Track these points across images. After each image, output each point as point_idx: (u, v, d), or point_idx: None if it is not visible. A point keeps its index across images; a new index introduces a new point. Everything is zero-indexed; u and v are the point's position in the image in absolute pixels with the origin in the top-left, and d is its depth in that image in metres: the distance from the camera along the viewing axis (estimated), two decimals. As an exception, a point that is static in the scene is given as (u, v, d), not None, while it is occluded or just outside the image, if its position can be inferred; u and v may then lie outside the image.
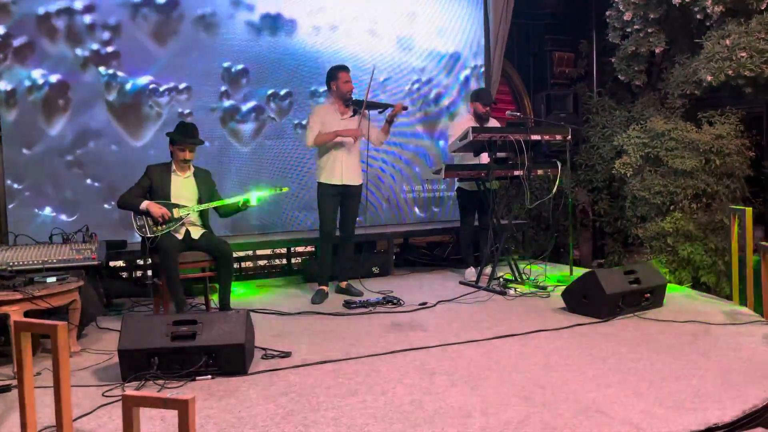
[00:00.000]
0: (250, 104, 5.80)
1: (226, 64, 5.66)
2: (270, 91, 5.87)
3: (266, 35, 5.83)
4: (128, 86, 5.32)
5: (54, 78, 5.08)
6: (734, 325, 3.82)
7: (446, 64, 6.74)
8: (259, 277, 5.95)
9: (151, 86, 5.39)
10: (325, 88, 4.92)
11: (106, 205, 5.23)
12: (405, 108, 4.78)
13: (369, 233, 5.66)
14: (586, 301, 4.07)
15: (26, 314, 3.11)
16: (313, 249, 6.17)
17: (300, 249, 6.38)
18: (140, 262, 5.58)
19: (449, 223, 6.56)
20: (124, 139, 5.34)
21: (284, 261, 6.36)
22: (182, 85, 5.50)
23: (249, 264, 6.20)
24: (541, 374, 3.02)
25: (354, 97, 4.74)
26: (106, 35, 5.22)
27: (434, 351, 3.43)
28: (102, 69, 5.22)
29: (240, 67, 5.72)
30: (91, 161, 5.22)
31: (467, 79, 6.85)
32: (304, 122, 5.81)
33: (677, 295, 4.73)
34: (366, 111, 4.70)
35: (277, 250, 6.32)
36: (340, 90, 4.68)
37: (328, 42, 6.09)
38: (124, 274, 5.56)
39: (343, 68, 4.72)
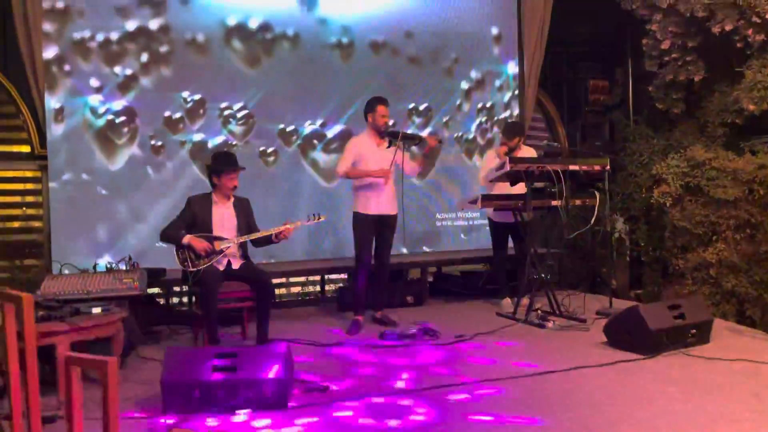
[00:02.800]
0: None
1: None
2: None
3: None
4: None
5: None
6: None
7: (479, 93, 6.75)
8: (293, 306, 5.96)
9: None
10: None
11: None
12: (440, 141, 4.80)
13: (403, 262, 5.64)
14: (629, 337, 3.97)
15: (72, 344, 3.16)
16: (346, 276, 6.17)
17: (334, 276, 6.39)
18: (177, 289, 5.65)
19: (484, 252, 6.51)
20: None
21: (318, 288, 6.37)
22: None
23: (282, 290, 6.22)
24: (587, 414, 2.95)
25: (390, 127, 4.77)
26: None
27: (474, 387, 3.38)
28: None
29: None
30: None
31: (502, 106, 6.86)
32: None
33: (723, 329, 4.58)
34: (401, 143, 4.71)
35: (311, 278, 6.34)
36: (376, 122, 4.71)
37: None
38: (162, 301, 5.62)
39: (382, 101, 4.75)
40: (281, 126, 5.87)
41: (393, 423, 2.90)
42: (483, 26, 6.70)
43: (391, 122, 4.82)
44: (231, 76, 5.65)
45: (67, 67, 5.17)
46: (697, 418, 2.87)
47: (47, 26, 5.07)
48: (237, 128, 5.70)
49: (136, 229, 5.32)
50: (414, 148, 4.95)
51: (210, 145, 5.57)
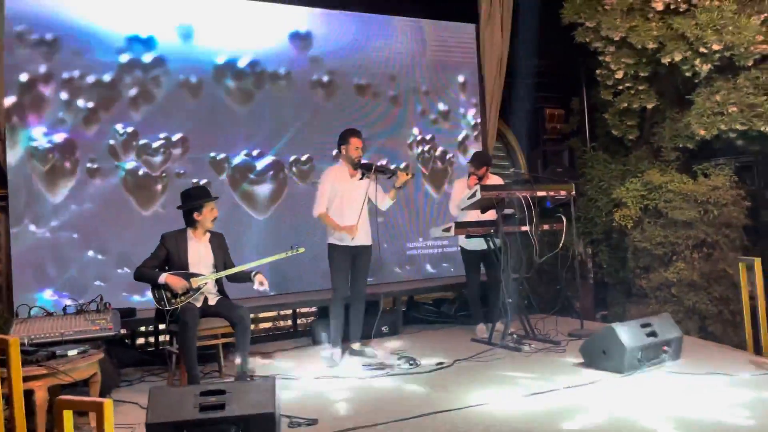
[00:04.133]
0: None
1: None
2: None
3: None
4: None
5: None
6: (757, 375, 3.84)
7: (444, 123, 6.92)
8: (264, 341, 5.85)
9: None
10: None
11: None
12: (412, 175, 4.88)
13: (375, 292, 5.65)
14: (606, 356, 4.08)
15: (49, 389, 3.04)
16: (316, 309, 6.12)
17: (305, 310, 6.32)
18: (143, 329, 5.48)
19: (454, 279, 6.58)
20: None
21: (289, 322, 6.29)
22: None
23: (252, 327, 6.09)
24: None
25: (364, 160, 4.83)
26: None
27: (461, 413, 3.40)
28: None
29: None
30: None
31: (466, 137, 7.04)
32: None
33: (690, 344, 4.73)
34: (374, 175, 4.77)
35: (282, 312, 6.25)
36: (349, 154, 4.77)
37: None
38: (131, 342, 5.44)
39: (356, 133, 4.82)
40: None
41: (387, 453, 2.89)
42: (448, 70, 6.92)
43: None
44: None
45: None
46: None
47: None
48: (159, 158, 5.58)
49: (104, 266, 5.18)
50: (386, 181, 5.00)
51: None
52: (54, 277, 4.99)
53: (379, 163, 4.75)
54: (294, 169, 6.07)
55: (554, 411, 3.34)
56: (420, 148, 6.75)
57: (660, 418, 3.13)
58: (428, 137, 6.81)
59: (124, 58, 5.39)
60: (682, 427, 3.02)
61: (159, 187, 5.45)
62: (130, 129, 5.39)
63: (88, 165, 5.23)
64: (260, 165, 5.93)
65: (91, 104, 5.25)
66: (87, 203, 5.19)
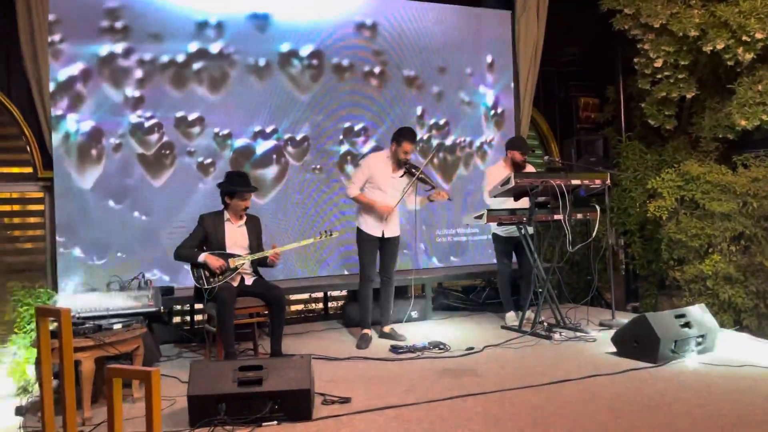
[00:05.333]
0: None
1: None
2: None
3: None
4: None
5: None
6: (791, 369, 3.80)
7: (476, 110, 6.89)
8: (296, 323, 5.97)
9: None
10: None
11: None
12: (450, 199, 4.96)
13: (405, 277, 5.70)
14: (638, 346, 4.06)
15: (95, 361, 3.16)
16: (346, 293, 6.21)
17: (335, 293, 6.41)
18: (179, 307, 5.64)
19: (483, 266, 6.59)
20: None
21: (321, 305, 6.39)
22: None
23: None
24: (609, 419, 3.01)
25: (411, 161, 4.89)
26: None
27: (493, 397, 3.43)
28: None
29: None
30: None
31: (496, 124, 7.00)
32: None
33: (725, 337, 4.68)
34: (415, 181, 4.82)
35: (314, 295, 6.36)
36: (397, 155, 4.81)
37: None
38: (169, 319, 5.60)
39: (410, 138, 4.80)
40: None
41: (423, 426, 2.94)
42: (479, 53, 6.87)
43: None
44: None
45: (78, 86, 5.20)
46: (716, 422, 2.95)
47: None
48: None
49: (144, 245, 5.33)
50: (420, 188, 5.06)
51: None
52: (98, 254, 5.16)
53: (423, 170, 4.80)
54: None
55: (584, 397, 3.35)
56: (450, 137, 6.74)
57: (690, 408, 3.13)
58: (461, 124, 6.80)
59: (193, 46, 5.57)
60: (712, 418, 3.01)
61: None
62: (194, 115, 5.56)
63: (164, 152, 5.44)
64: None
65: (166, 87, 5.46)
66: (146, 191, 5.38)
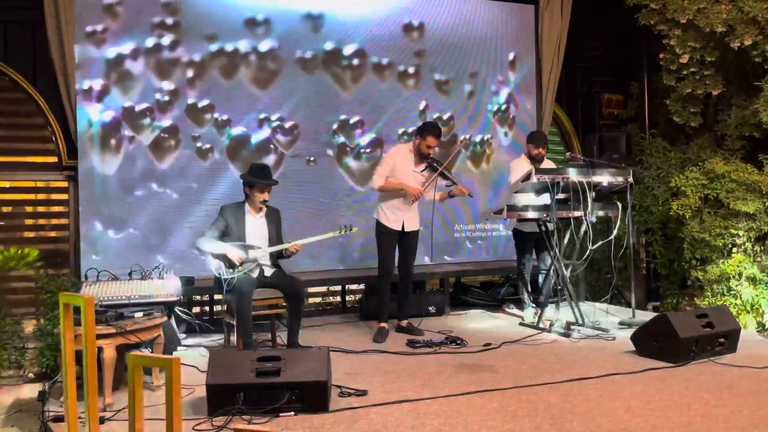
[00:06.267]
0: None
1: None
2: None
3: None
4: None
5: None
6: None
7: (498, 104, 6.85)
8: (313, 315, 5.99)
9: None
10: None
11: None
12: (470, 195, 4.94)
13: (423, 272, 5.70)
14: (658, 345, 4.02)
15: (116, 348, 3.22)
16: (363, 287, 6.22)
17: (353, 286, 6.43)
18: (198, 297, 5.69)
19: (502, 262, 6.56)
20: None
21: (338, 298, 6.41)
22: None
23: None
24: (627, 419, 2.99)
25: (434, 156, 4.87)
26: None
27: (510, 393, 3.43)
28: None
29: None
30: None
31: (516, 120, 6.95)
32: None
33: (747, 338, 4.61)
34: (437, 176, 4.80)
35: (332, 288, 6.38)
36: (421, 148, 4.80)
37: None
38: (189, 309, 5.66)
39: (434, 133, 4.79)
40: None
41: (433, 426, 2.94)
42: (501, 48, 6.82)
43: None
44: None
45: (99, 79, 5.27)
46: (736, 422, 2.91)
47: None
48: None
49: (164, 236, 5.40)
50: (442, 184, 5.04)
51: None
52: (119, 244, 5.24)
53: (445, 165, 4.78)
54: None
55: (603, 396, 3.33)
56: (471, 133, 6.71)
57: (710, 409, 3.09)
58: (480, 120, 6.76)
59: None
60: (731, 419, 2.97)
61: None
62: (224, 117, 5.62)
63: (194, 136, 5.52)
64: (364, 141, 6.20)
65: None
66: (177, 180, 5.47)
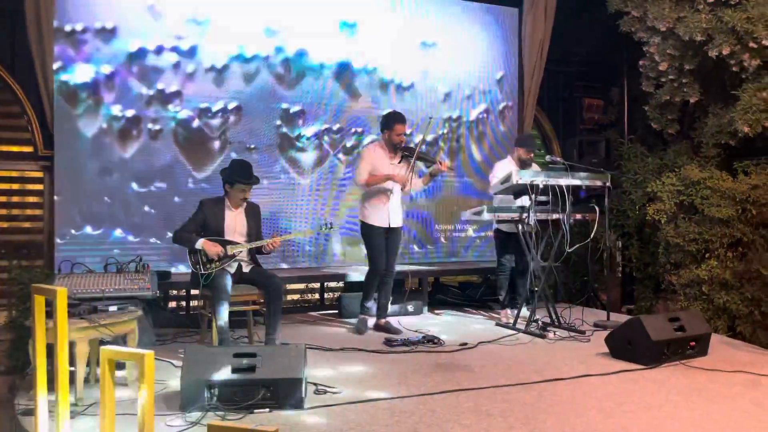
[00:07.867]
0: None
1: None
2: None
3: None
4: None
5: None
6: (782, 376, 3.81)
7: (478, 107, 6.89)
8: (291, 312, 5.98)
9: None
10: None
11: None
12: (450, 168, 4.93)
13: (402, 271, 5.71)
14: (631, 347, 4.08)
15: (89, 342, 3.17)
16: (343, 284, 6.21)
17: (332, 284, 6.42)
18: (174, 292, 5.64)
19: (480, 263, 6.60)
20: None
21: (317, 296, 6.40)
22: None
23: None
24: (599, 419, 3.03)
25: (405, 144, 4.87)
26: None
27: (485, 392, 3.45)
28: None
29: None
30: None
31: (500, 121, 7.00)
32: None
33: (718, 343, 4.70)
34: (414, 161, 4.81)
35: (310, 285, 6.37)
36: (392, 140, 4.81)
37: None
38: (165, 304, 5.61)
39: (400, 120, 4.82)
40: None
41: (407, 424, 2.95)
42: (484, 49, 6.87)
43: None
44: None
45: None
46: (704, 425, 2.97)
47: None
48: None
49: (141, 229, 5.34)
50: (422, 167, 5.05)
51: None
52: (94, 236, 5.17)
53: (421, 149, 4.78)
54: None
55: (576, 396, 3.37)
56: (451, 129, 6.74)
57: (680, 411, 3.15)
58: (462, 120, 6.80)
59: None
60: (701, 422, 3.02)
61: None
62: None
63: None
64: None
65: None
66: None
